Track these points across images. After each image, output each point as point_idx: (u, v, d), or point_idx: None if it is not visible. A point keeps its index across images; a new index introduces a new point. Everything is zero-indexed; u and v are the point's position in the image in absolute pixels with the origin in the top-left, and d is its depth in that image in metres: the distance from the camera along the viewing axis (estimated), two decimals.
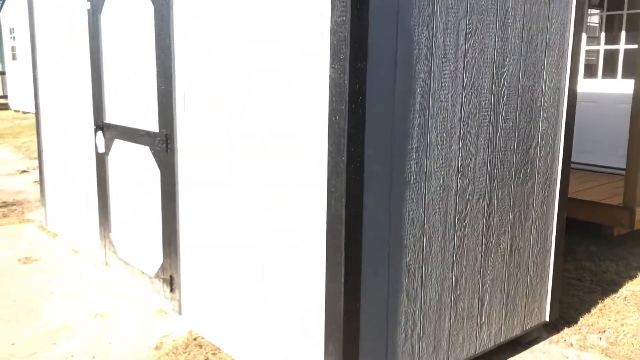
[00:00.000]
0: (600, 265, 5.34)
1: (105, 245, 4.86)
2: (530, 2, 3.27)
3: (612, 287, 4.84)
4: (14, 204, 7.69)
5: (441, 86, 2.92)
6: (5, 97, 20.61)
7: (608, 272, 5.17)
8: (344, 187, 2.58)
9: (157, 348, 3.86)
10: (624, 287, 4.84)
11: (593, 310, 4.35)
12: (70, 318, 4.31)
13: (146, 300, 4.49)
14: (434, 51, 2.85)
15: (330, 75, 2.58)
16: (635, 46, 5.62)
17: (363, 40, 2.52)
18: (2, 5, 19.14)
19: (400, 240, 2.91)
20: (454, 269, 3.22)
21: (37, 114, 5.93)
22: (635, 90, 4.72)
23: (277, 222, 3.03)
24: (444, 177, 3.04)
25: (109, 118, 4.52)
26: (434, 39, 2.84)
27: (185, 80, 3.60)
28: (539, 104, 3.48)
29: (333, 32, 2.53)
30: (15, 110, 19.66)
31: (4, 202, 7.81)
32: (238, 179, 3.27)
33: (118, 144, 4.44)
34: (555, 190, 3.73)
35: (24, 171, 10.10)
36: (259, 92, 3.03)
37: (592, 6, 7.43)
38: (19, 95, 19.10)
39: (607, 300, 4.55)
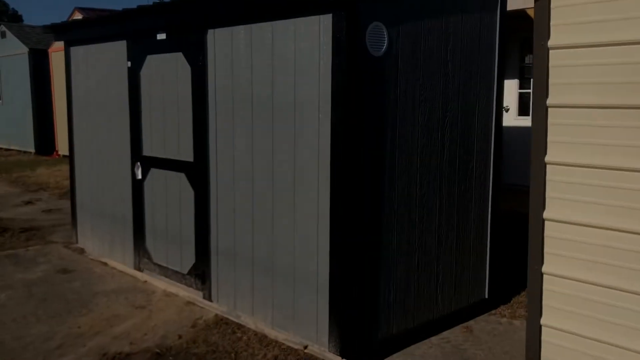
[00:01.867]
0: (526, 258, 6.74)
1: (139, 253, 6.05)
2: (463, 68, 4.69)
3: None
4: (32, 229, 8.73)
5: (404, 125, 4.29)
6: None
7: None
8: (343, 206, 3.91)
9: (193, 326, 5.05)
10: None
11: (521, 292, 5.71)
12: (117, 309, 5.46)
13: (177, 294, 5.68)
14: (399, 103, 4.22)
15: (331, 120, 3.93)
16: None
17: (353, 100, 3.88)
18: None
19: (379, 233, 4.23)
20: (417, 254, 4.55)
21: (70, 150, 7.10)
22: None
23: (284, 223, 4.33)
24: (408, 188, 4.39)
25: (146, 152, 5.76)
26: (399, 94, 4.22)
27: (214, 122, 4.90)
28: (473, 138, 4.88)
29: (336, 94, 3.88)
30: None
31: (23, 228, 8.84)
32: (258, 192, 4.57)
33: (154, 171, 5.68)
34: (488, 199, 5.11)
35: (29, 202, 11.08)
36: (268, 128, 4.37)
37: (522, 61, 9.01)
38: (1, 134, 19.94)
39: None
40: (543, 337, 3.10)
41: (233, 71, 4.70)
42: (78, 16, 15.73)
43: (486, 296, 5.25)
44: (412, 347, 4.63)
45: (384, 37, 4.04)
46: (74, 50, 6.72)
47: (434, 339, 4.78)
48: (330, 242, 4.08)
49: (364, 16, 3.91)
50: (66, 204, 10.90)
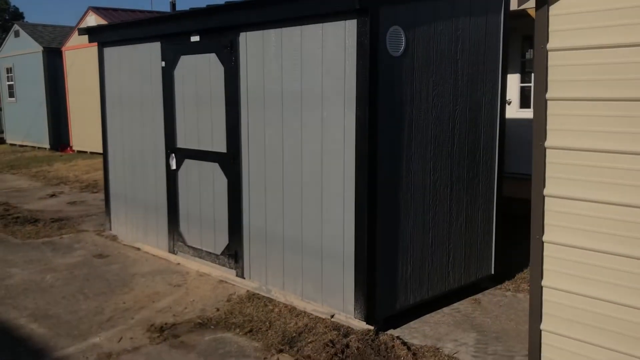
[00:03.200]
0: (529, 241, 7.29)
1: (173, 237, 6.59)
2: (471, 66, 5.22)
3: None
4: (62, 219, 9.28)
5: (419, 118, 4.83)
6: (1, 131, 21.96)
7: None
8: (366, 189, 4.46)
9: (227, 300, 5.60)
10: None
11: (524, 269, 6.25)
12: (156, 288, 6.01)
13: (210, 274, 6.22)
14: (415, 98, 4.76)
15: (355, 113, 4.47)
16: None
17: (375, 96, 4.41)
18: (0, 47, 20.61)
19: (399, 215, 4.77)
20: (430, 233, 5.09)
21: (104, 143, 7.64)
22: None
23: (312, 206, 4.87)
24: (422, 174, 4.93)
25: (180, 144, 6.30)
26: (414, 91, 4.75)
27: (246, 116, 5.44)
28: (480, 128, 5.42)
29: (360, 91, 4.42)
30: (11, 144, 20.99)
31: (53, 218, 9.39)
32: (288, 179, 5.11)
33: (188, 162, 6.22)
34: (494, 184, 5.65)
35: (53, 195, 11.63)
36: (297, 121, 4.91)
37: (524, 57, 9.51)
38: (15, 130, 20.49)
39: None
40: (544, 297, 3.63)
41: (264, 70, 5.23)
42: (92, 16, 16.23)
43: (492, 272, 5.79)
44: (427, 315, 5.18)
45: (402, 39, 4.57)
46: (108, 51, 7.24)
47: (445, 309, 5.33)
48: (355, 221, 4.62)
49: (385, 21, 4.44)
50: (89, 196, 11.48)
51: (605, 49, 3.22)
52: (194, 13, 5.74)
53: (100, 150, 16.44)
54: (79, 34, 7.22)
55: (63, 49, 17.84)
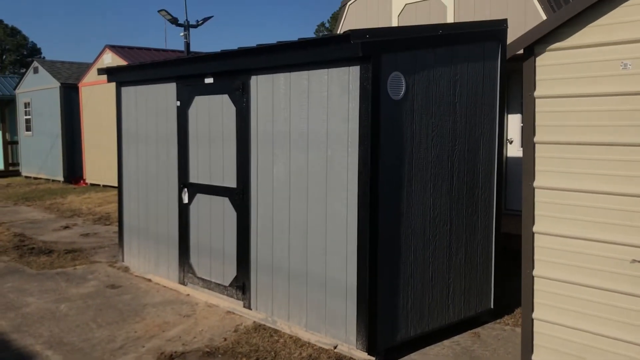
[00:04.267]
0: None
1: (184, 269, 6.84)
2: (469, 108, 5.51)
3: None
4: (75, 251, 9.55)
5: (419, 157, 5.10)
6: (16, 164, 22.45)
7: None
8: (369, 224, 4.71)
9: (235, 331, 5.80)
10: None
11: None
12: (166, 318, 6.23)
13: (218, 305, 6.44)
14: (414, 138, 5.04)
15: (358, 153, 4.74)
16: None
17: (377, 136, 4.70)
18: (19, 82, 21.23)
19: (400, 249, 5.00)
20: (430, 267, 5.31)
21: (119, 177, 7.96)
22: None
23: (317, 239, 5.12)
24: (422, 210, 5.17)
25: (192, 179, 6.60)
26: (415, 131, 5.04)
27: (256, 153, 5.74)
28: (478, 167, 5.67)
29: (362, 132, 4.71)
30: (26, 177, 21.45)
31: (66, 249, 9.66)
32: (294, 213, 5.37)
33: (199, 196, 6.51)
34: (492, 220, 5.87)
35: (67, 227, 11.93)
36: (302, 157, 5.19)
37: None
38: (31, 163, 20.97)
39: None
40: (535, 329, 3.84)
41: (273, 110, 5.54)
42: (108, 54, 16.79)
43: (492, 306, 5.97)
44: (427, 348, 5.36)
45: (402, 84, 4.88)
46: (125, 90, 7.62)
47: (445, 342, 5.51)
48: (357, 255, 4.85)
49: (386, 67, 4.75)
50: (101, 228, 11.77)
51: (586, 97, 3.49)
52: (208, 57, 6.09)
53: (113, 184, 16.98)
54: (98, 74, 7.60)
55: (79, 84, 18.40)
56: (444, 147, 5.32)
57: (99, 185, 18.05)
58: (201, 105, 6.40)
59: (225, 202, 6.16)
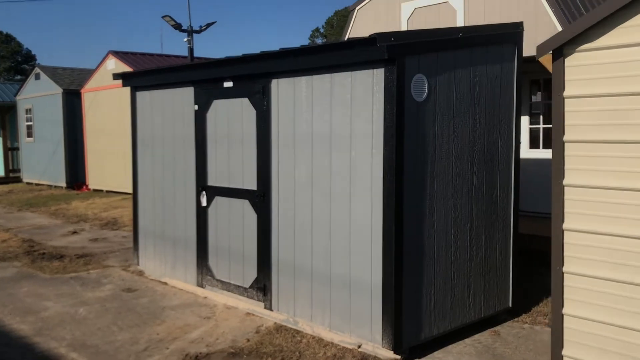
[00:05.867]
0: (543, 276, 7.53)
1: (202, 271, 6.89)
2: (488, 109, 5.59)
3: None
4: (87, 255, 9.58)
5: (441, 158, 5.17)
6: (17, 170, 22.44)
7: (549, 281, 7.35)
8: (394, 224, 4.78)
9: (256, 332, 5.86)
10: None
11: (540, 303, 6.50)
12: (186, 320, 6.27)
13: (237, 307, 6.49)
14: (437, 139, 5.12)
15: (383, 154, 4.82)
16: None
17: (401, 137, 4.78)
18: (20, 89, 21.24)
19: (423, 248, 5.07)
20: (452, 267, 5.38)
21: (134, 181, 8.01)
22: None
23: (340, 239, 5.19)
24: (444, 210, 5.25)
25: (210, 182, 6.66)
26: (436, 133, 5.12)
27: (277, 155, 5.80)
28: (496, 168, 5.76)
29: (387, 133, 4.78)
30: (28, 183, 21.43)
31: (77, 254, 9.69)
32: (316, 214, 5.43)
33: (218, 199, 6.56)
34: (510, 221, 5.95)
35: (75, 232, 11.95)
36: (325, 160, 5.26)
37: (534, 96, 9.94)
38: (32, 169, 20.96)
39: (549, 297, 6.71)
40: (565, 325, 3.91)
41: (295, 113, 5.62)
42: (112, 60, 16.84)
43: (510, 305, 6.04)
44: (449, 346, 5.43)
45: (425, 86, 4.96)
46: (140, 94, 7.67)
47: (467, 340, 5.58)
48: (382, 254, 4.92)
49: (410, 69, 4.83)
50: (109, 233, 11.80)
51: (616, 97, 3.58)
52: (228, 61, 6.16)
53: (116, 189, 17.00)
54: (113, 79, 7.66)
55: (82, 90, 18.44)
56: (464, 148, 5.40)
57: (102, 191, 18.06)
58: (220, 108, 6.47)
59: (245, 205, 6.22)
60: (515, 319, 6.14)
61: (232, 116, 6.31)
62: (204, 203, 6.75)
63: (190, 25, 16.05)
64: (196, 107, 6.76)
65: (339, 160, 5.26)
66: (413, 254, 5.01)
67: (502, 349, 5.36)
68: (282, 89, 5.74)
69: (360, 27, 9.72)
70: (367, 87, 4.97)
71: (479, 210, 5.59)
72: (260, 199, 6.03)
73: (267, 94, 5.87)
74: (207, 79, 6.55)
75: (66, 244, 10.75)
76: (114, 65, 16.76)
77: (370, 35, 4.65)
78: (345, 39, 9.90)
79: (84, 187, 18.97)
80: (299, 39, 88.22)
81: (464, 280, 5.51)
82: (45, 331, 6.02)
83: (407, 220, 4.92)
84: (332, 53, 5.12)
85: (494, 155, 5.72)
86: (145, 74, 7.51)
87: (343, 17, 55.88)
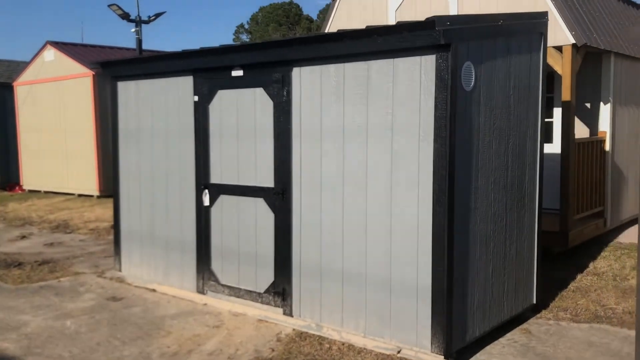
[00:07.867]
0: (552, 270, 7.49)
1: (203, 277, 6.34)
2: (520, 100, 5.41)
3: (564, 284, 6.97)
4: (49, 262, 8.75)
5: (483, 151, 4.93)
6: None
7: (562, 275, 7.30)
8: (446, 221, 4.49)
9: (278, 340, 5.41)
10: (572, 284, 6.98)
11: (556, 298, 6.42)
12: (194, 330, 5.74)
13: (245, 313, 6.00)
14: (480, 130, 4.87)
15: (433, 146, 4.52)
16: None
17: (453, 129, 4.50)
18: None
19: (468, 246, 4.81)
20: (490, 264, 5.16)
21: (115, 180, 7.31)
22: (562, 151, 7.07)
23: (378, 238, 4.85)
24: (485, 205, 5.02)
25: (214, 179, 6.13)
26: (481, 124, 4.87)
27: (299, 150, 5.38)
28: (525, 161, 5.59)
29: (438, 124, 4.48)
30: None
31: (37, 261, 8.83)
32: (348, 212, 5.06)
33: (224, 197, 6.05)
34: (535, 216, 5.81)
35: (23, 237, 10.95)
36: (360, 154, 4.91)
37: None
38: None
39: (564, 292, 6.66)
40: None
41: (322, 104, 5.21)
42: (50, 50, 15.66)
43: (534, 302, 5.90)
44: (488, 347, 5.20)
45: (473, 74, 4.70)
46: (123, 84, 7.00)
47: (502, 340, 5.37)
48: (432, 252, 4.62)
49: (460, 57, 4.55)
50: (64, 237, 10.89)
51: None
52: (238, 48, 5.67)
53: (56, 190, 15.81)
54: (90, 67, 6.94)
55: (14, 84, 17.06)
56: (502, 140, 5.19)
57: (39, 191, 16.80)
58: (226, 99, 5.95)
59: (258, 203, 5.75)
60: (538, 316, 6.01)
61: (243, 108, 5.82)
62: (206, 202, 6.21)
63: (138, 15, 15.13)
64: (196, 98, 6.21)
65: (377, 154, 4.91)
66: (461, 252, 4.74)
67: (542, 348, 5.20)
68: (305, 78, 5.32)
69: (342, 19, 9.38)
70: (413, 75, 4.64)
71: (511, 205, 5.41)
72: (278, 196, 5.58)
73: (287, 84, 5.43)
74: (210, 67, 6.01)
75: (17, 249, 9.81)
76: (52, 56, 15.58)
77: (426, 19, 4.34)
78: (327, 30, 9.53)
79: (17, 187, 17.60)
80: (223, 37, 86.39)
81: (500, 277, 5.30)
82: (36, 349, 5.33)
83: (457, 216, 4.65)
84: (370, 39, 4.75)
85: (523, 148, 5.55)
86: (130, 63, 6.85)
87: (268, 14, 55.05)
